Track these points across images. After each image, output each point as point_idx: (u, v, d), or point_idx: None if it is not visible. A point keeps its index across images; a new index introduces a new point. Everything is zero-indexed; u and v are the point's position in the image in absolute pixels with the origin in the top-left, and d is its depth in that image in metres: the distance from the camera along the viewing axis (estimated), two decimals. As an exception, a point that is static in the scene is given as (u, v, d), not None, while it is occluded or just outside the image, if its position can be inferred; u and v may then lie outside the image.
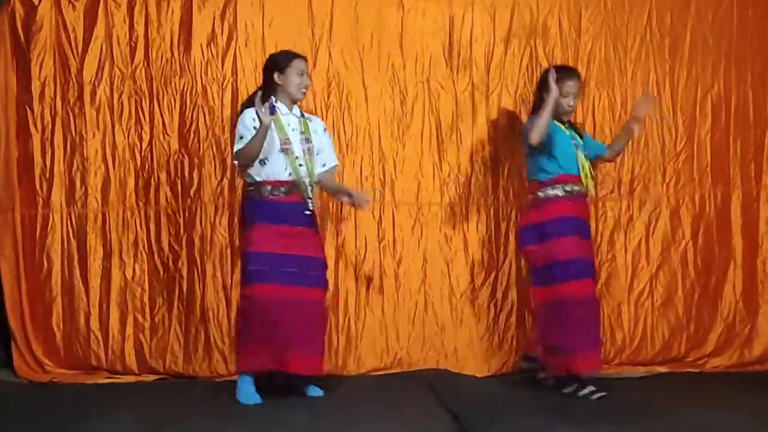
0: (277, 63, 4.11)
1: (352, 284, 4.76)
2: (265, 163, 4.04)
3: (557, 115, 4.26)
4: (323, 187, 4.29)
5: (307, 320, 4.02)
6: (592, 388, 4.16)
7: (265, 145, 3.97)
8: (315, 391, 4.18)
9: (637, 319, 4.89)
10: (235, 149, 4.07)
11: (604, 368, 4.42)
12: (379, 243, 4.80)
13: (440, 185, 4.86)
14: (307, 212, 4.09)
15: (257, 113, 3.91)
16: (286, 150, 4.05)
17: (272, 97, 4.09)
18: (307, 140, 4.13)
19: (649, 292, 4.91)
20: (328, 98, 4.77)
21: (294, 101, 4.15)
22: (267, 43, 4.74)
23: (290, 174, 4.06)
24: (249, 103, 4.08)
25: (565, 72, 4.29)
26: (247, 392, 4.03)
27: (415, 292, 4.82)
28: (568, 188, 4.24)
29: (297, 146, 4.08)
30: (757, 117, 5.01)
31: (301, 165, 4.08)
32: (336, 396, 4.25)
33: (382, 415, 3.81)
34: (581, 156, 4.30)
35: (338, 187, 4.32)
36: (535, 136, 4.16)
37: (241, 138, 4.03)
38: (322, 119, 4.67)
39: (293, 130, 4.12)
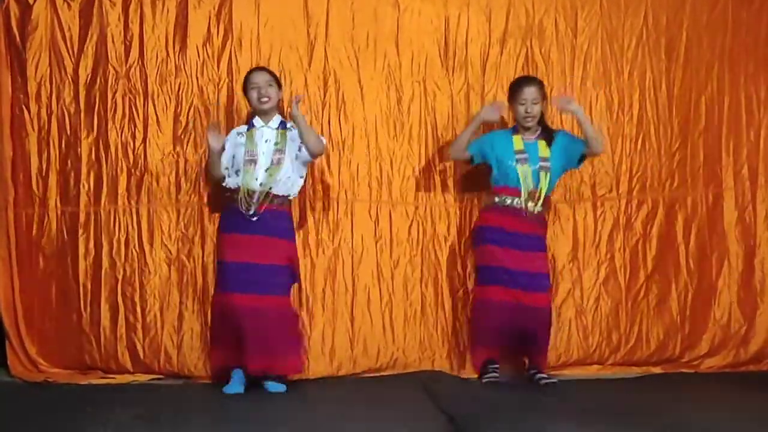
0: (243, 84, 4.43)
1: (349, 284, 4.75)
2: (238, 173, 4.31)
3: (518, 122, 4.50)
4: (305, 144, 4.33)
5: (268, 326, 4.21)
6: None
7: (237, 159, 4.31)
8: (275, 387, 4.30)
9: (634, 319, 4.90)
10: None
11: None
12: (376, 242, 4.80)
13: (436, 185, 4.86)
14: (254, 219, 4.25)
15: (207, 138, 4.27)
16: (249, 162, 4.29)
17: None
18: (279, 151, 4.32)
19: (645, 292, 4.92)
20: (324, 97, 4.77)
21: (265, 114, 4.35)
22: (263, 42, 4.74)
23: (255, 180, 4.27)
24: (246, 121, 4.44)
25: (522, 80, 4.55)
26: (231, 383, 4.25)
27: (411, 292, 4.81)
28: (498, 200, 4.49)
29: (265, 157, 4.30)
30: (750, 118, 5.03)
31: (267, 173, 4.28)
32: (332, 396, 4.25)
33: (377, 416, 3.80)
34: (525, 170, 4.42)
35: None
36: (452, 151, 4.61)
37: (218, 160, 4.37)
38: (318, 118, 4.68)
39: (266, 141, 4.34)
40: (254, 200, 4.26)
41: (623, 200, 4.93)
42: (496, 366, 4.57)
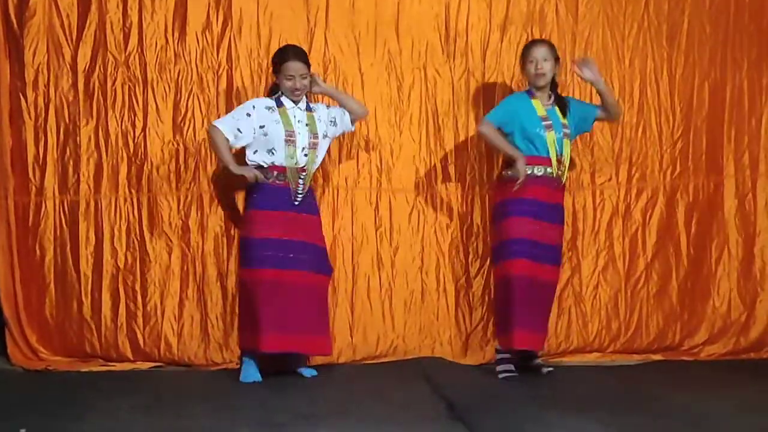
0: (274, 62, 4.34)
1: (349, 271, 4.75)
2: (273, 152, 4.24)
3: (532, 83, 4.39)
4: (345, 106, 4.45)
5: (307, 302, 4.22)
6: (539, 362, 4.44)
7: (271, 136, 4.23)
8: (309, 372, 4.36)
9: (633, 307, 4.90)
10: (220, 120, 4.31)
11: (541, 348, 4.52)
12: (376, 230, 4.79)
13: (437, 172, 4.85)
14: (296, 202, 4.26)
15: (235, 170, 4.21)
16: (288, 141, 4.23)
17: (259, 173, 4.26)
18: (313, 134, 4.30)
19: (644, 280, 4.91)
20: (324, 83, 4.74)
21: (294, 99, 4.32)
22: (262, 29, 4.72)
23: (295, 162, 4.25)
24: (268, 93, 4.42)
25: (531, 41, 4.49)
26: (248, 372, 4.25)
27: (412, 279, 4.81)
28: (537, 170, 4.31)
29: (303, 138, 4.27)
30: (752, 105, 5.01)
31: (305, 155, 4.27)
32: (331, 383, 4.25)
33: (377, 402, 3.81)
34: (552, 138, 4.32)
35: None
36: (485, 137, 4.42)
37: (231, 117, 4.28)
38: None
39: (299, 122, 4.30)
40: (302, 181, 4.27)
41: (623, 188, 4.92)
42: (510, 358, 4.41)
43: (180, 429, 3.38)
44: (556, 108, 4.41)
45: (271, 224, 4.23)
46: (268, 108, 4.30)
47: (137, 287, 4.64)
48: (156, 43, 4.68)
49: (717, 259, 4.96)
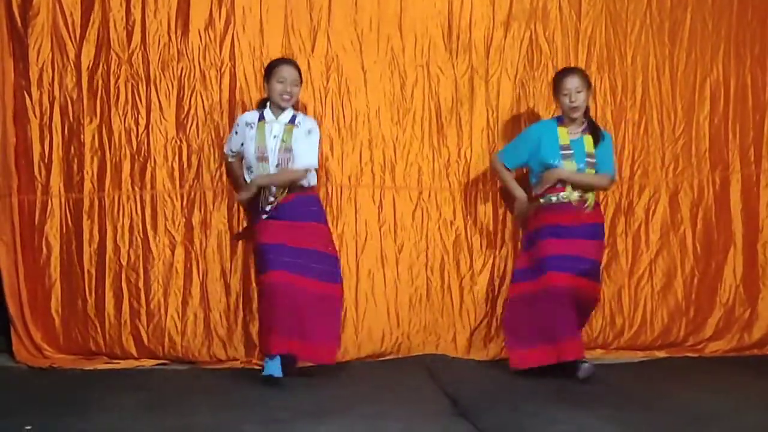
0: (266, 71, 4.38)
1: (353, 269, 4.75)
2: (251, 171, 4.35)
3: (565, 114, 4.39)
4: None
5: (316, 310, 4.20)
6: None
7: (247, 153, 4.34)
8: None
9: (637, 303, 4.90)
10: (225, 145, 4.55)
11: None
12: (380, 228, 4.79)
13: (440, 169, 4.85)
14: (264, 216, 4.29)
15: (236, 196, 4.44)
16: (260, 158, 4.29)
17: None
18: (287, 149, 4.29)
19: (648, 276, 4.91)
20: (327, 82, 4.75)
21: (279, 108, 4.33)
22: (265, 27, 4.72)
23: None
24: (259, 103, 4.46)
25: (563, 71, 4.47)
26: (271, 366, 4.14)
27: (416, 277, 4.81)
28: (543, 200, 4.37)
29: (273, 155, 4.29)
30: (756, 101, 5.00)
31: (273, 172, 4.29)
32: (336, 380, 4.26)
33: (381, 399, 3.82)
34: (573, 167, 4.32)
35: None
36: (492, 170, 4.66)
37: (228, 139, 4.52)
38: (321, 103, 4.67)
39: (274, 137, 4.32)
40: (271, 196, 4.29)
41: (625, 185, 4.92)
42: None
43: (184, 426, 3.39)
44: (585, 137, 4.37)
45: (275, 232, 4.23)
46: (248, 124, 4.35)
47: (141, 285, 4.65)
48: (159, 41, 4.68)
49: (722, 256, 4.96)
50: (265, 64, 4.54)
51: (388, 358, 4.74)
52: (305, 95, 4.71)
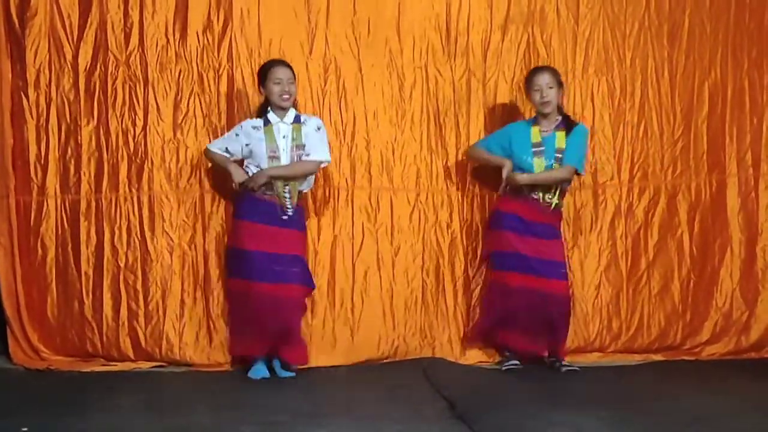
0: (260, 74, 4.41)
1: (349, 271, 4.75)
2: (259, 167, 4.32)
3: (537, 111, 4.52)
4: None
5: (288, 314, 4.32)
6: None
7: (256, 153, 4.33)
8: (285, 373, 4.39)
9: (634, 307, 4.90)
10: (212, 143, 4.50)
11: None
12: (376, 230, 4.79)
13: (438, 171, 4.85)
14: (284, 217, 4.32)
15: (236, 175, 4.34)
16: (273, 157, 4.30)
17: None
18: (299, 147, 4.33)
19: (646, 280, 4.91)
20: (325, 85, 4.75)
21: (281, 108, 4.36)
22: (263, 29, 4.72)
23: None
24: (256, 114, 4.46)
25: (534, 69, 4.59)
26: (256, 368, 4.34)
27: (412, 279, 4.81)
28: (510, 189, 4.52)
29: (285, 154, 4.31)
30: (754, 104, 5.01)
31: None
32: (332, 383, 4.26)
33: (378, 403, 3.82)
34: (540, 164, 4.46)
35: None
36: (470, 156, 4.74)
37: (222, 139, 4.47)
38: (319, 105, 4.67)
39: (284, 137, 4.34)
40: (288, 195, 4.31)
41: (624, 187, 4.92)
42: (515, 354, 4.59)
43: (181, 428, 3.38)
44: (558, 133, 4.48)
45: (258, 237, 4.28)
46: (254, 128, 4.38)
47: (138, 287, 4.64)
48: (157, 43, 4.68)
49: (719, 259, 4.97)
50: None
51: (384, 361, 4.73)
52: (303, 97, 4.71)
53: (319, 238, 4.73)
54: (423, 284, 4.82)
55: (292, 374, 4.38)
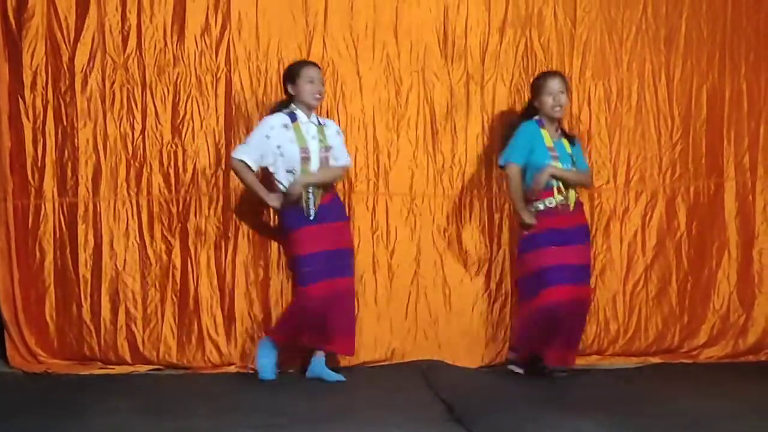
0: (289, 74, 4.37)
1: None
2: (294, 172, 4.28)
3: (546, 115, 4.44)
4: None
5: (338, 306, 4.30)
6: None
7: (288, 156, 4.27)
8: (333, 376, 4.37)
9: (632, 309, 4.90)
10: (239, 150, 4.33)
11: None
12: (373, 234, 4.79)
13: (434, 176, 4.85)
14: (310, 217, 4.29)
15: (272, 201, 4.30)
16: (304, 159, 4.28)
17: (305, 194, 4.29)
18: (326, 149, 4.35)
19: (643, 283, 4.92)
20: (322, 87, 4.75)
21: (310, 108, 4.34)
22: (261, 32, 4.72)
23: None
24: (273, 110, 4.41)
25: (546, 74, 4.53)
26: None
27: (409, 283, 4.81)
28: (547, 203, 4.39)
29: (315, 155, 4.30)
30: (751, 108, 5.02)
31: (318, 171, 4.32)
32: (331, 386, 4.26)
33: (376, 406, 3.81)
34: (558, 166, 4.40)
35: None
36: (508, 179, 4.49)
37: (249, 144, 4.31)
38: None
39: (312, 138, 4.33)
40: (311, 196, 4.29)
41: (621, 191, 4.93)
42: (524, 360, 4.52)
43: (179, 431, 3.37)
44: (564, 140, 4.47)
45: (314, 239, 4.27)
46: (285, 126, 4.31)
47: (136, 290, 4.64)
48: (155, 46, 4.68)
49: (716, 262, 4.97)
50: (265, 69, 4.62)
51: (382, 364, 4.73)
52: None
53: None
54: (419, 288, 4.82)
55: (341, 378, 4.34)
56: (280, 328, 4.43)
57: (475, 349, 4.82)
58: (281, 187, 4.32)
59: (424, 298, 4.82)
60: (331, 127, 4.45)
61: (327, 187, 4.36)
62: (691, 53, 4.97)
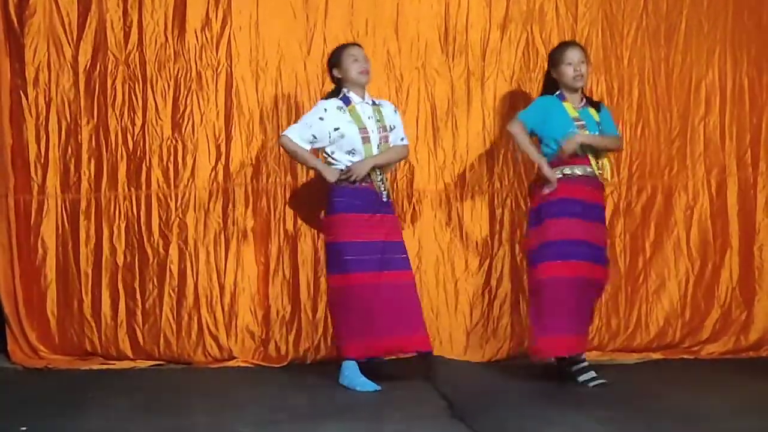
0: (332, 58, 4.25)
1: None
2: (353, 153, 4.14)
3: (567, 86, 4.25)
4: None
5: (398, 301, 4.09)
6: (591, 374, 4.15)
7: (348, 137, 4.12)
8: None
9: (633, 305, 4.90)
10: (291, 129, 4.18)
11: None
12: (375, 229, 4.79)
13: (435, 171, 4.85)
14: (384, 199, 4.18)
15: (330, 175, 4.10)
16: (365, 139, 4.14)
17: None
18: (384, 128, 4.21)
19: (644, 278, 4.91)
20: (323, 84, 4.74)
21: (361, 87, 4.21)
22: (261, 27, 4.72)
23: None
24: (328, 96, 4.25)
25: (565, 44, 4.37)
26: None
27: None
28: (567, 171, 4.18)
29: (375, 135, 4.17)
30: (753, 103, 5.01)
31: (380, 151, 4.18)
32: (331, 381, 4.25)
33: (377, 401, 3.82)
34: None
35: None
36: (513, 137, 4.28)
37: (301, 123, 4.18)
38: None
39: (369, 118, 4.20)
40: (380, 176, 4.18)
41: (623, 186, 4.92)
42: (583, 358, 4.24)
43: (179, 427, 3.38)
44: (590, 109, 4.29)
45: (359, 227, 4.10)
46: (339, 108, 4.17)
47: (137, 285, 4.65)
48: (156, 41, 4.68)
49: (718, 258, 4.96)
50: (266, 64, 4.64)
51: (384, 359, 4.73)
52: (302, 96, 4.71)
53: (320, 239, 4.72)
54: (421, 283, 4.81)
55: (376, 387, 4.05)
56: (338, 336, 4.23)
57: (476, 345, 4.81)
58: (340, 166, 4.16)
59: (426, 293, 4.80)
60: (387, 107, 4.31)
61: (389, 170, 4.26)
62: (692, 49, 4.95)
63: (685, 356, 4.87)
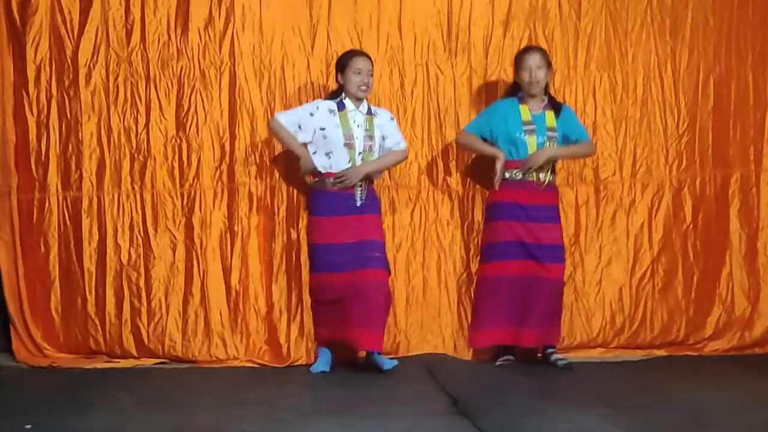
0: (339, 63, 4.43)
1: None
2: (330, 156, 4.33)
3: (524, 90, 4.50)
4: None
5: (364, 299, 4.26)
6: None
7: (330, 139, 4.33)
8: (389, 363, 4.37)
9: (638, 302, 4.89)
10: (282, 114, 4.43)
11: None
12: (377, 226, 4.79)
13: (438, 169, 4.84)
14: (357, 204, 4.37)
15: (306, 163, 4.34)
16: (349, 145, 4.33)
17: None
18: (370, 137, 4.38)
19: (650, 275, 4.91)
20: (327, 81, 4.74)
21: (357, 99, 4.38)
22: (265, 25, 4.71)
23: (353, 166, 4.35)
24: (328, 96, 4.49)
25: (524, 49, 4.59)
26: (316, 362, 4.45)
27: (413, 276, 4.80)
28: (507, 175, 4.46)
29: (359, 143, 4.35)
30: (757, 99, 5.00)
31: (362, 159, 4.36)
32: (335, 380, 4.26)
33: (380, 399, 3.82)
34: (532, 142, 4.45)
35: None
36: (458, 143, 4.69)
37: (291, 111, 4.44)
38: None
39: (358, 126, 4.38)
40: (361, 189, 4.35)
41: (627, 183, 4.91)
42: (509, 350, 4.61)
43: (184, 425, 3.38)
44: (547, 113, 4.49)
45: (333, 230, 4.31)
46: (330, 111, 4.37)
47: (141, 283, 4.64)
48: (158, 39, 4.68)
49: (722, 254, 4.95)
50: (269, 62, 4.63)
51: (388, 357, 4.73)
52: (305, 94, 4.71)
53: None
54: (424, 281, 4.81)
55: (394, 362, 4.36)
56: (315, 329, 4.54)
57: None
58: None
59: (429, 291, 4.81)
60: (383, 116, 4.48)
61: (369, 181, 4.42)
62: (697, 44, 4.94)
63: (690, 353, 4.86)
